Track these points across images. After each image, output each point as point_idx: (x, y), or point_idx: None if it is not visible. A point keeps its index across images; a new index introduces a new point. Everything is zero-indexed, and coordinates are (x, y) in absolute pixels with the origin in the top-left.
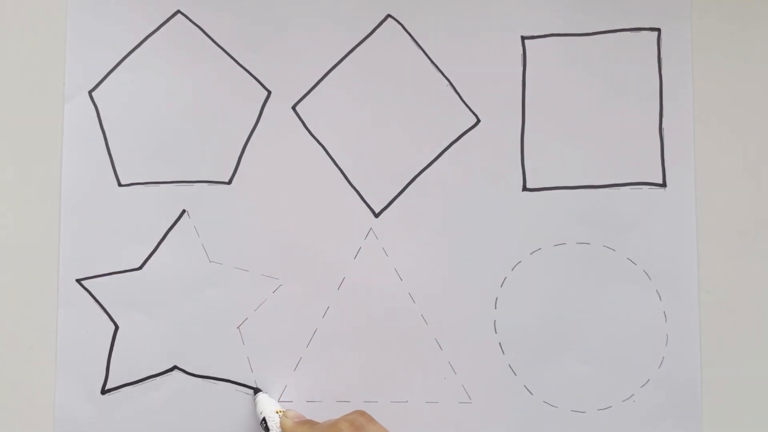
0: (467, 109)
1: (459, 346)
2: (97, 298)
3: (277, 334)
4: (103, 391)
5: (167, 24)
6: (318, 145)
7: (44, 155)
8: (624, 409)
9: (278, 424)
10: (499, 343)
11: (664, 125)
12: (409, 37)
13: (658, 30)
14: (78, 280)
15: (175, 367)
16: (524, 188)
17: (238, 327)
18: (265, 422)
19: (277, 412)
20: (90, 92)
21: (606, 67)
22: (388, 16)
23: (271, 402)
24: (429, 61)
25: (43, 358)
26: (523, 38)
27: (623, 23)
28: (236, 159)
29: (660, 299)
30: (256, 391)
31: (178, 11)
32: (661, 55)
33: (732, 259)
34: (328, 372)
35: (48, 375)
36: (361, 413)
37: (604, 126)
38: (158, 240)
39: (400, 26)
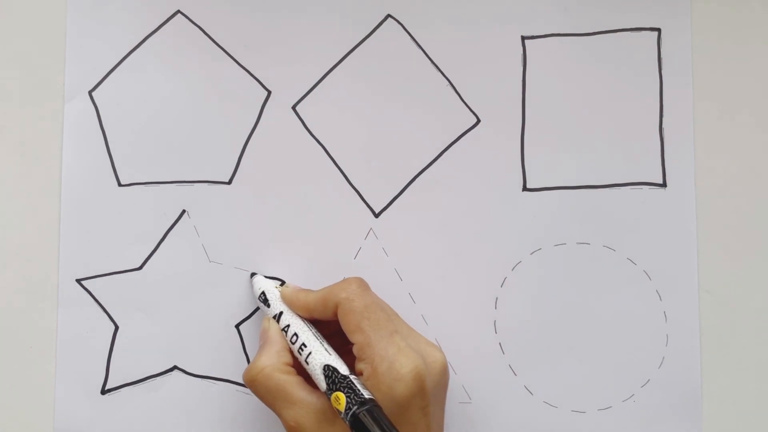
0: (467, 109)
1: (459, 346)
2: (97, 298)
3: None
4: (103, 391)
5: (167, 24)
6: (318, 145)
7: (44, 155)
8: (624, 409)
9: (278, 296)
10: (499, 343)
11: (664, 125)
12: (409, 37)
13: (658, 30)
14: (78, 280)
15: (175, 367)
16: (524, 188)
17: (237, 327)
18: (264, 295)
19: (276, 288)
20: (90, 92)
21: (606, 67)
22: (388, 16)
23: (268, 280)
24: (429, 61)
25: (43, 358)
26: (523, 38)
27: (623, 23)
28: (236, 159)
29: (660, 299)
30: (253, 274)
31: (178, 11)
32: (661, 55)
33: (732, 259)
34: None
35: (48, 375)
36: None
37: (604, 126)
38: (158, 240)
39: (400, 26)
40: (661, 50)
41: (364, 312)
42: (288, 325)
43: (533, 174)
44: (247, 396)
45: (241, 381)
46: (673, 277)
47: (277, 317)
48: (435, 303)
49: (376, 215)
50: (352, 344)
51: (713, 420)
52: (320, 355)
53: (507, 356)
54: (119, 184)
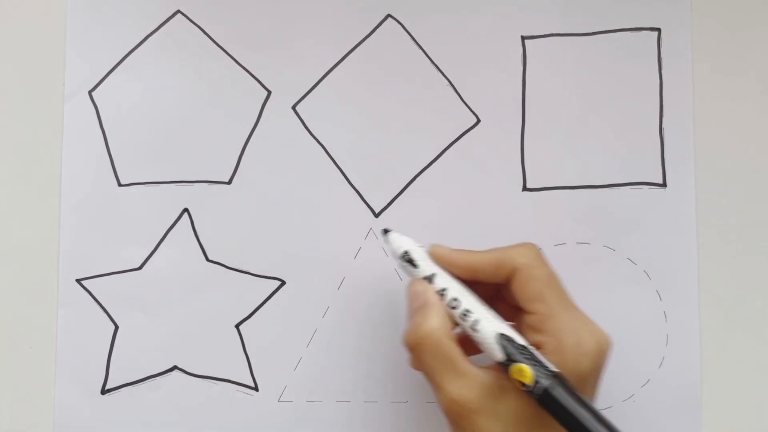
0: (467, 109)
1: None
2: (97, 298)
3: (277, 334)
4: (103, 391)
5: (167, 24)
6: (318, 145)
7: (44, 155)
8: (624, 409)
9: (425, 256)
10: None
11: (664, 125)
12: (409, 37)
13: (658, 30)
14: (78, 280)
15: (175, 367)
16: (524, 188)
17: (237, 327)
18: (409, 254)
19: (419, 247)
20: (90, 92)
21: (606, 67)
22: (388, 16)
23: (407, 238)
24: (429, 61)
25: (43, 358)
26: (523, 38)
27: (623, 23)
28: (236, 159)
29: (660, 299)
30: (386, 231)
31: (178, 11)
32: (661, 55)
33: (732, 259)
34: (328, 372)
35: (48, 375)
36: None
37: (604, 126)
38: (158, 240)
39: (400, 26)
40: (661, 50)
41: (547, 281)
42: (445, 288)
43: (533, 174)
44: (247, 396)
45: (241, 381)
46: (673, 277)
47: (430, 279)
48: None
49: (376, 215)
50: (527, 314)
51: (713, 420)
52: (492, 323)
53: None
54: (119, 184)
